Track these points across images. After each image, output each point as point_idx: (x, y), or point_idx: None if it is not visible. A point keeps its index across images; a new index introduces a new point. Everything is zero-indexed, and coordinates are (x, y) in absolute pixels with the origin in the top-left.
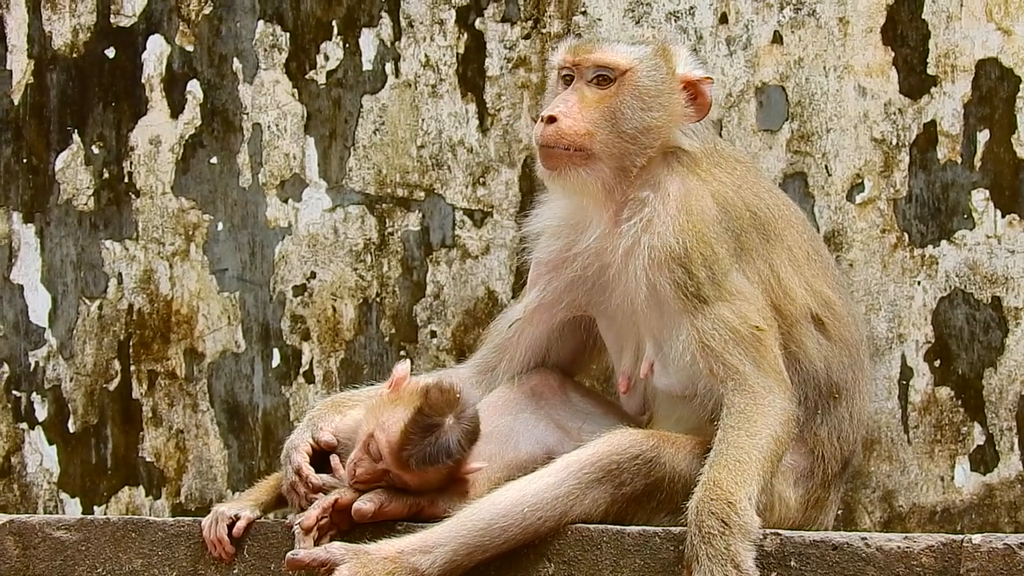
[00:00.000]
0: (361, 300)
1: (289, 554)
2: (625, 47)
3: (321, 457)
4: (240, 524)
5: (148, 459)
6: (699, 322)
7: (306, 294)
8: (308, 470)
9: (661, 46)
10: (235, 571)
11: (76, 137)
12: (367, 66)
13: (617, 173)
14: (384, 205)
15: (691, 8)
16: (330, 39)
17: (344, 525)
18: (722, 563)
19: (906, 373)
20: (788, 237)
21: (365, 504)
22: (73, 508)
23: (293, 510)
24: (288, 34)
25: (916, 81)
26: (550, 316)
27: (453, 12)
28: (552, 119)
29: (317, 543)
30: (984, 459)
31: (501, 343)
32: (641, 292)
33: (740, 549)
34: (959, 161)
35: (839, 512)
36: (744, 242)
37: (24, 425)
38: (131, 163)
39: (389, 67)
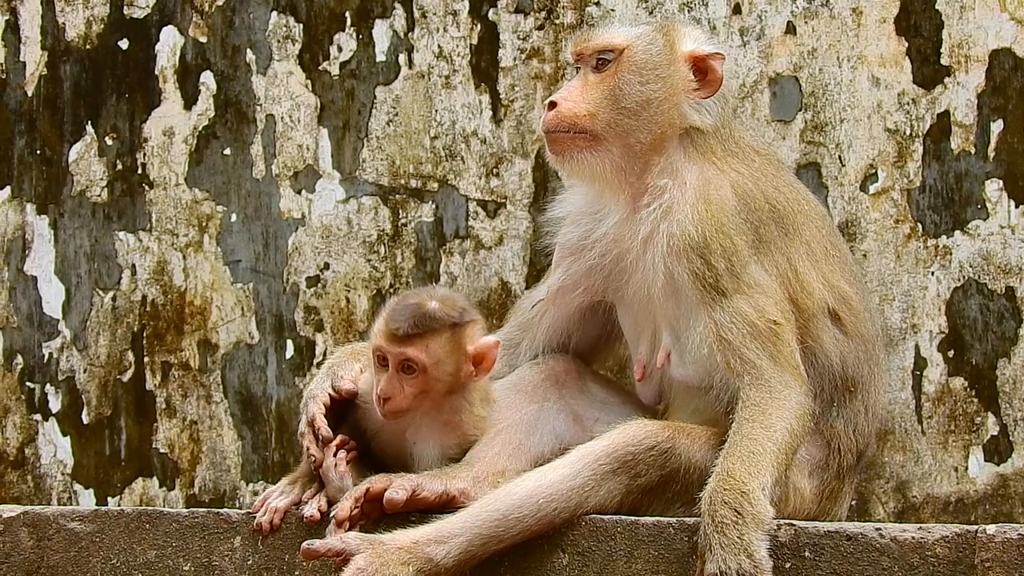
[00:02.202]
0: (375, 291)
1: (304, 544)
2: (622, 28)
3: (342, 406)
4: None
5: (162, 450)
6: (717, 315)
7: (320, 285)
8: (321, 422)
9: (662, 24)
10: (249, 562)
11: (89, 128)
12: (380, 57)
13: (625, 153)
14: (397, 196)
15: None
16: (343, 30)
17: (375, 514)
18: (735, 552)
19: (920, 363)
20: (806, 231)
21: (397, 493)
22: (87, 499)
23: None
24: (301, 25)
25: (930, 71)
26: (570, 299)
27: (466, 3)
28: (553, 104)
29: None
30: (998, 449)
31: (524, 322)
32: (659, 280)
33: (753, 539)
34: (973, 151)
35: (853, 502)
36: (763, 234)
37: (38, 416)
38: (144, 154)
39: (402, 58)
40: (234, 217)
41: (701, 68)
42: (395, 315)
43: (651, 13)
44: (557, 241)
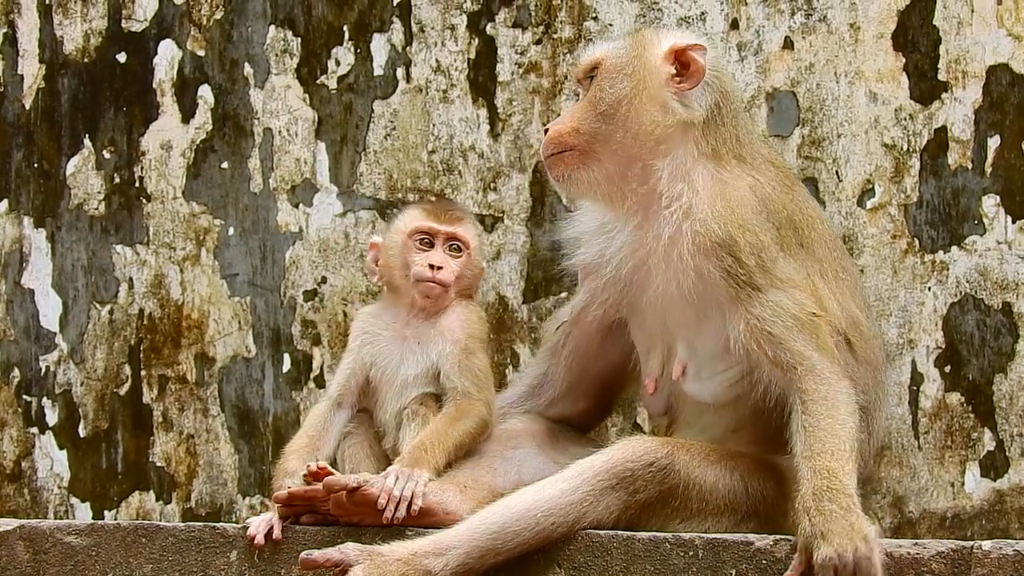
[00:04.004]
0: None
1: (303, 554)
2: (602, 44)
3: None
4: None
5: (158, 464)
6: (756, 310)
7: (317, 299)
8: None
9: (637, 31)
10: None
11: (87, 142)
12: (378, 71)
13: (614, 158)
14: (395, 210)
15: (702, 13)
16: (341, 44)
17: (368, 519)
18: (850, 537)
19: (916, 379)
20: (819, 250)
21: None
22: (83, 513)
23: None
24: (299, 39)
25: (927, 87)
26: (590, 317)
27: (464, 17)
28: (547, 131)
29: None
30: (994, 465)
31: (550, 347)
32: (688, 279)
33: (863, 523)
34: (970, 167)
35: None
36: (784, 236)
37: (35, 430)
38: (142, 168)
39: (400, 72)
40: (231, 231)
41: (683, 61)
42: (435, 204)
43: (649, 27)
44: (575, 262)
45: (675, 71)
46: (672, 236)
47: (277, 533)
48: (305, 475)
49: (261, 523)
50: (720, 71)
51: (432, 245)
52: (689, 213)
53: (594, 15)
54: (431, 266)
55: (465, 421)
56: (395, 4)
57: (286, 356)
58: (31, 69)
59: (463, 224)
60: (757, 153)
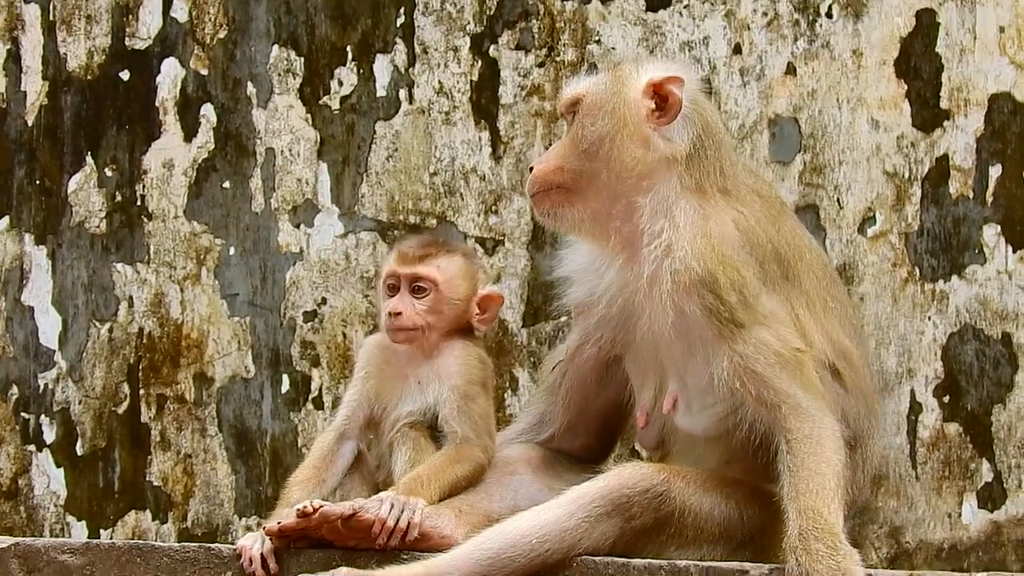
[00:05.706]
0: (372, 327)
1: None
2: (584, 79)
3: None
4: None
5: (155, 483)
6: (739, 347)
7: (316, 320)
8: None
9: (616, 66)
10: None
11: (89, 159)
12: (381, 92)
13: (598, 196)
14: (396, 232)
15: (705, 38)
16: (344, 65)
17: (364, 543)
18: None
19: (915, 408)
20: (806, 281)
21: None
22: (79, 531)
23: None
24: (302, 59)
25: (929, 114)
26: (584, 355)
27: (467, 39)
28: (532, 169)
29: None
30: (992, 496)
31: (548, 386)
32: (668, 318)
33: (850, 564)
34: (971, 196)
35: None
36: (767, 271)
37: (32, 447)
38: (144, 186)
39: (403, 93)
40: (232, 250)
41: (661, 95)
42: (408, 244)
43: (651, 52)
44: (568, 301)
45: (655, 105)
46: (652, 274)
47: (273, 566)
48: (298, 512)
49: (256, 555)
50: (699, 103)
51: (398, 289)
52: (669, 251)
53: (597, 38)
54: (390, 313)
55: (463, 464)
56: (398, 25)
57: (285, 377)
58: (34, 86)
59: (427, 262)
60: (742, 184)
